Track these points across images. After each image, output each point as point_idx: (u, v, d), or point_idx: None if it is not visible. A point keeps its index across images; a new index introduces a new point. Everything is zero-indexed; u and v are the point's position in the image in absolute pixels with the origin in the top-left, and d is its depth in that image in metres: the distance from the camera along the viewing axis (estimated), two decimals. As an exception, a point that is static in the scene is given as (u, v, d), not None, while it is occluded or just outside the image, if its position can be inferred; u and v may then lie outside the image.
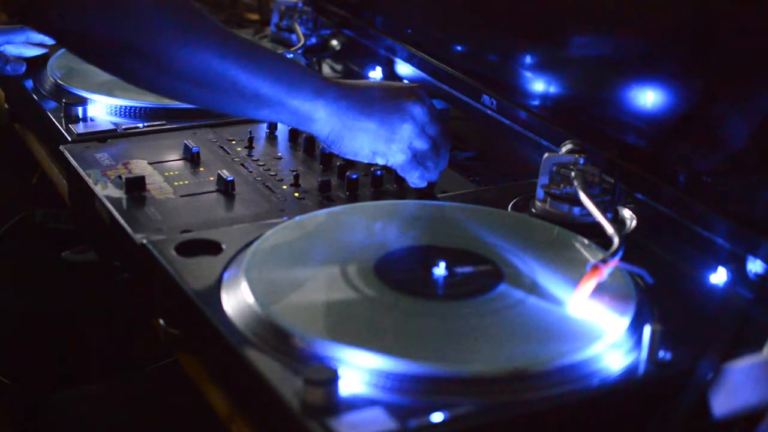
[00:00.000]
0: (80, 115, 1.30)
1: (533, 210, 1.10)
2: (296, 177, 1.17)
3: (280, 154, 1.25)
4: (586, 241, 1.00)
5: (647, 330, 0.82)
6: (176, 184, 1.15)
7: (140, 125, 1.30)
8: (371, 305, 0.88)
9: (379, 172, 1.16)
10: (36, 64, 1.49)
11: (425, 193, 1.15)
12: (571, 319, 0.87)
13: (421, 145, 1.11)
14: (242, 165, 1.21)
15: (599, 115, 1.20)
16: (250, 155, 1.24)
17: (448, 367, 0.79)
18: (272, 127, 1.31)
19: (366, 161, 1.12)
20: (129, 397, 1.26)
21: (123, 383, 1.29)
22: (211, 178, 1.16)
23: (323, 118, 1.07)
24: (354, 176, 1.15)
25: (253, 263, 0.93)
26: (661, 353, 0.83)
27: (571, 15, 1.26)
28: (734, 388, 0.79)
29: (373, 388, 0.78)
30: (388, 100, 1.10)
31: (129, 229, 1.03)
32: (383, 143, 1.09)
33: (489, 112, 1.34)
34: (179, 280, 0.93)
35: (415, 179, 1.13)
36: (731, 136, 1.06)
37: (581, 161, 1.08)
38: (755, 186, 1.02)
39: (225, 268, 0.94)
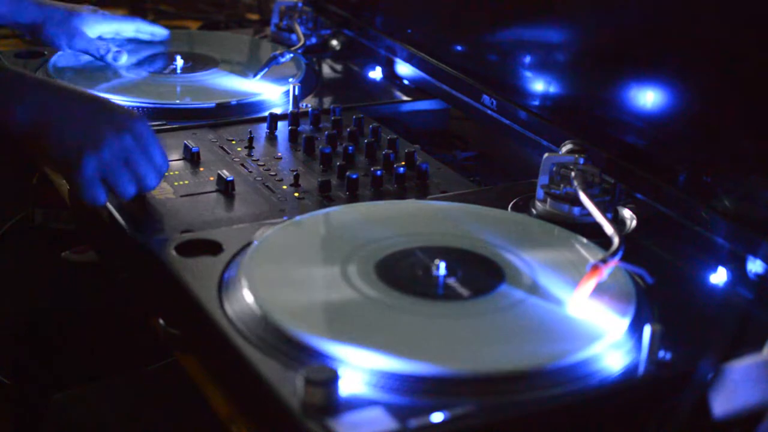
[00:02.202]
0: (80, 115, 1.30)
1: (533, 210, 1.10)
2: (296, 177, 1.17)
3: (280, 154, 1.25)
4: (586, 241, 1.00)
5: (647, 330, 0.82)
6: (176, 184, 1.15)
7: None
8: (371, 305, 0.88)
9: (379, 172, 1.16)
10: (36, 64, 1.50)
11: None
12: (571, 319, 0.87)
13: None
14: (242, 165, 1.21)
15: (599, 115, 1.21)
16: (250, 155, 1.24)
17: (448, 367, 0.79)
18: (272, 127, 1.31)
19: None
20: (129, 397, 1.26)
21: (123, 383, 1.29)
22: (211, 178, 1.16)
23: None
24: (354, 176, 1.15)
25: (253, 263, 0.93)
26: (661, 353, 0.83)
27: (571, 15, 1.26)
28: (734, 388, 0.79)
29: (373, 388, 0.78)
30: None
31: (129, 229, 1.03)
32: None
33: (489, 112, 1.34)
34: (179, 280, 0.93)
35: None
36: (731, 136, 1.06)
37: (581, 161, 1.08)
38: (755, 186, 1.02)
39: (225, 268, 0.94)
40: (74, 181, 1.04)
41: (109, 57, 1.49)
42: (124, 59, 1.50)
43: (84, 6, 1.56)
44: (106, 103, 1.08)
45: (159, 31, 1.60)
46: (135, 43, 1.58)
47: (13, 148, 1.10)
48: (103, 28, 1.53)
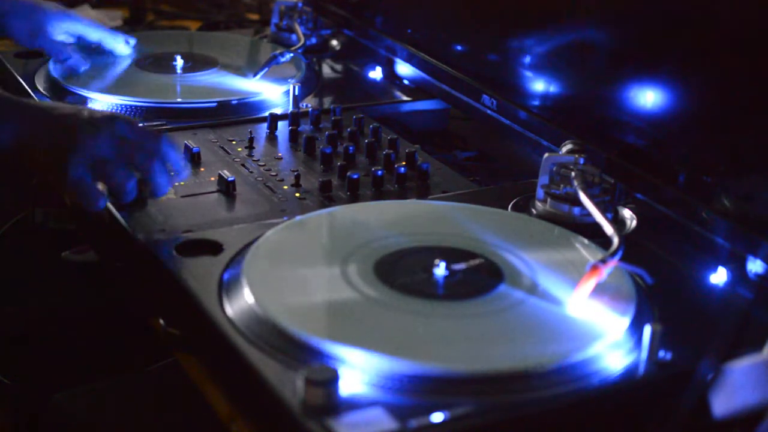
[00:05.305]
0: (80, 115, 1.30)
1: (533, 210, 1.10)
2: (297, 177, 1.17)
3: (280, 154, 1.25)
4: (586, 241, 1.01)
5: (647, 330, 0.82)
6: (177, 184, 1.15)
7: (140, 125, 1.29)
8: (371, 305, 0.88)
9: (380, 172, 1.16)
10: (36, 64, 1.50)
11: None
12: (571, 319, 0.87)
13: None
14: (243, 165, 1.21)
15: (599, 115, 1.21)
16: (250, 155, 1.24)
17: (448, 367, 0.79)
18: (273, 127, 1.31)
19: None
20: (129, 397, 1.26)
21: (123, 383, 1.29)
22: (212, 179, 1.16)
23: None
24: (355, 176, 1.15)
25: (254, 263, 0.93)
26: (661, 353, 0.83)
27: (571, 15, 1.26)
28: (734, 388, 0.79)
29: (373, 388, 0.78)
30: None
31: (129, 229, 1.03)
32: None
33: (489, 112, 1.34)
34: (179, 280, 0.93)
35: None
36: (731, 136, 1.06)
37: (581, 161, 1.08)
38: (755, 186, 1.02)
39: (225, 268, 0.94)
40: (66, 187, 1.05)
41: (71, 62, 1.46)
42: (82, 69, 1.47)
43: (50, 2, 1.51)
44: (84, 109, 1.10)
45: (121, 51, 1.54)
46: (92, 50, 1.54)
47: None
48: (67, 28, 1.50)
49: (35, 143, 1.05)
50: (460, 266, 0.93)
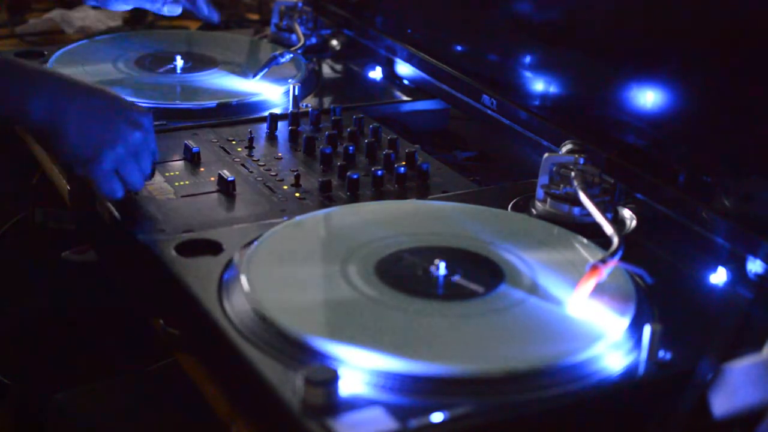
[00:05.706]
0: (80, 115, 1.30)
1: (533, 210, 1.10)
2: (297, 177, 1.17)
3: (280, 154, 1.25)
4: (586, 241, 1.01)
5: (647, 330, 0.82)
6: (177, 184, 1.15)
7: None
8: (371, 305, 0.88)
9: (379, 172, 1.16)
10: (36, 64, 1.50)
11: None
12: (571, 319, 0.87)
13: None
14: (243, 165, 1.21)
15: (599, 115, 1.21)
16: (250, 155, 1.24)
17: (448, 367, 0.79)
18: (272, 127, 1.31)
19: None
20: (129, 397, 1.26)
21: (123, 383, 1.29)
22: (212, 179, 1.16)
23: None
24: (355, 176, 1.15)
25: (253, 263, 0.93)
26: (661, 353, 0.83)
27: (571, 14, 1.26)
28: (734, 388, 0.79)
29: (373, 388, 0.78)
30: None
31: (129, 230, 1.03)
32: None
33: (489, 112, 1.34)
34: (179, 280, 0.93)
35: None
36: (731, 136, 1.06)
37: (581, 161, 1.08)
38: (755, 186, 1.02)
39: (225, 268, 0.94)
40: (93, 175, 1.05)
41: (165, 10, 1.49)
42: (178, 10, 1.49)
43: None
44: (118, 98, 1.09)
45: None
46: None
47: (16, 146, 1.10)
48: None
49: (69, 127, 1.03)
50: (465, 283, 0.93)
